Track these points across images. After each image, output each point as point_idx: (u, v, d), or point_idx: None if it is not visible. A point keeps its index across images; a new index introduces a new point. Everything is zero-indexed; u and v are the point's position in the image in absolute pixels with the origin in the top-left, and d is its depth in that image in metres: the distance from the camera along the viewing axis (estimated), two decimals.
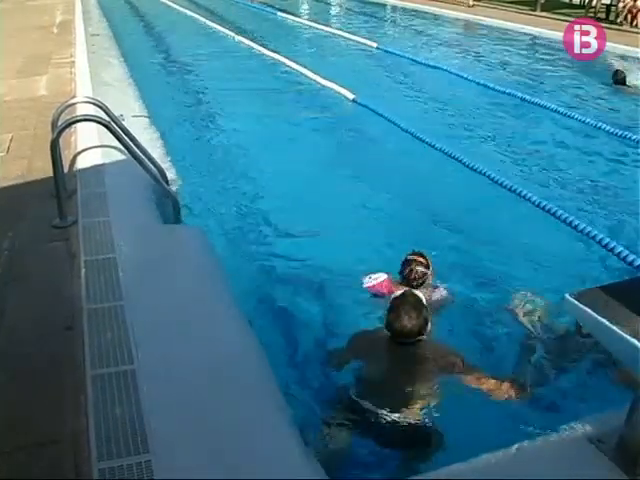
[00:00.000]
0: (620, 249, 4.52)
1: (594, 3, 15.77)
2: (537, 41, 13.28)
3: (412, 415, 2.82)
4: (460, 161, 6.32)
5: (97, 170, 5.35)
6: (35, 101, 7.59)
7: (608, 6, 15.37)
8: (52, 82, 8.60)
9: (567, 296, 2.23)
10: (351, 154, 6.89)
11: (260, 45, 12.61)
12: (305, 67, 10.38)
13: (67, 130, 4.66)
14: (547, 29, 13.26)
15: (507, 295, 3.90)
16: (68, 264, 3.92)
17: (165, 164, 5.66)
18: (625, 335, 2.00)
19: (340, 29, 14.62)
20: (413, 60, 11.18)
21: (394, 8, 18.66)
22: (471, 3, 17.19)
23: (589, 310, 2.13)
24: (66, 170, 4.96)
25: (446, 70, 10.29)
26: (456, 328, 3.67)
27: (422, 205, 5.44)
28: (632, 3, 14.16)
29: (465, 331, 3.69)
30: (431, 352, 3.01)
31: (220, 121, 8.02)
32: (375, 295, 3.87)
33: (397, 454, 2.86)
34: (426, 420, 2.83)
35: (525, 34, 13.65)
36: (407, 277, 3.79)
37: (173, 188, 5.20)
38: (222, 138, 7.39)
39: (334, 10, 19.70)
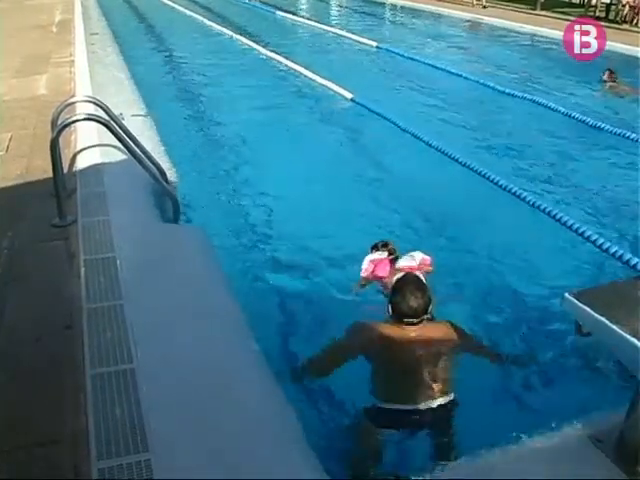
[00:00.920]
0: (615, 249, 4.53)
1: (594, 2, 15.77)
2: (535, 39, 13.30)
3: (442, 395, 2.84)
4: (458, 161, 6.32)
5: (97, 169, 5.34)
6: (34, 100, 7.59)
7: (608, 5, 15.39)
8: (52, 81, 8.59)
9: (567, 295, 2.23)
10: (351, 154, 6.89)
11: (260, 45, 12.60)
12: (320, 75, 10.14)
13: (67, 129, 4.64)
14: (548, 28, 13.27)
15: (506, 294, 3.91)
16: (68, 263, 3.91)
17: (165, 163, 5.66)
18: (625, 334, 2.00)
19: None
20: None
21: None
22: (484, 3, 16.90)
23: (589, 309, 2.14)
24: (66, 169, 4.96)
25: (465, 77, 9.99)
26: None
27: (421, 204, 5.44)
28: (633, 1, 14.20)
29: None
30: (439, 330, 3.04)
31: (219, 120, 8.01)
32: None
33: (433, 438, 2.87)
34: (453, 395, 2.87)
35: (525, 33, 13.72)
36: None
37: (173, 187, 5.20)
38: (221, 137, 7.38)
39: (337, 10, 19.68)
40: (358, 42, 13.01)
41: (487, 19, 15.03)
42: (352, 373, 3.01)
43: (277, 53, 11.68)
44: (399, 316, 2.95)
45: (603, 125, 7.34)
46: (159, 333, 3.18)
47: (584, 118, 7.60)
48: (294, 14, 17.22)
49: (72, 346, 3.08)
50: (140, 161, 4.65)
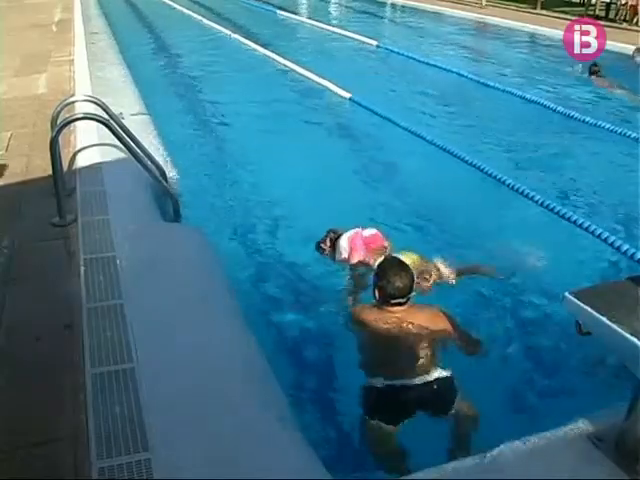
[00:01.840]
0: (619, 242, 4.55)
1: (593, 1, 15.76)
2: (536, 38, 13.30)
3: (435, 369, 2.91)
4: (458, 157, 6.32)
5: (96, 168, 5.34)
6: (34, 99, 7.59)
7: (608, 4, 15.38)
8: (51, 80, 8.58)
9: (567, 294, 2.23)
10: (351, 154, 6.89)
11: (260, 45, 12.57)
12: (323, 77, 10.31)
13: (66, 128, 4.65)
14: (546, 27, 13.26)
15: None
16: (67, 263, 3.91)
17: (165, 162, 5.65)
18: (625, 333, 2.00)
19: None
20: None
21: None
22: (484, 3, 16.82)
23: (589, 308, 2.13)
24: (65, 168, 4.96)
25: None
26: None
27: (420, 203, 5.44)
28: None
29: None
30: (426, 313, 3.12)
31: (219, 119, 8.01)
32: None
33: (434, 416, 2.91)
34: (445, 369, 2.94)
35: (525, 32, 13.73)
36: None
37: (173, 187, 5.20)
38: (221, 136, 7.38)
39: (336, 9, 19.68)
40: (358, 41, 13.00)
41: (489, 19, 15.01)
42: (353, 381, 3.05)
43: (277, 53, 11.66)
44: (386, 298, 3.04)
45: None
46: (159, 332, 3.19)
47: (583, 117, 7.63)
48: (294, 13, 17.20)
49: (72, 345, 3.08)
50: (140, 160, 4.64)
